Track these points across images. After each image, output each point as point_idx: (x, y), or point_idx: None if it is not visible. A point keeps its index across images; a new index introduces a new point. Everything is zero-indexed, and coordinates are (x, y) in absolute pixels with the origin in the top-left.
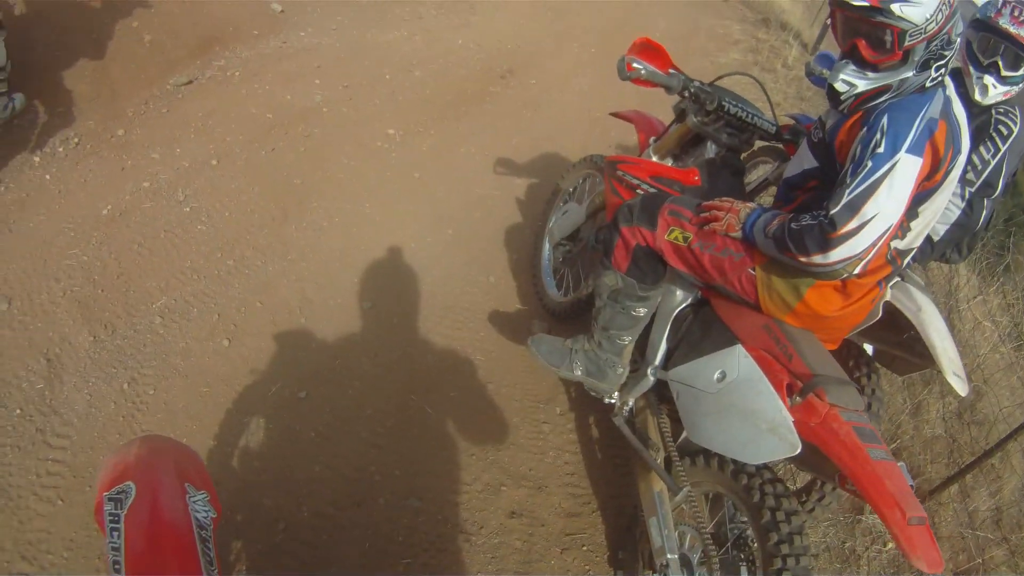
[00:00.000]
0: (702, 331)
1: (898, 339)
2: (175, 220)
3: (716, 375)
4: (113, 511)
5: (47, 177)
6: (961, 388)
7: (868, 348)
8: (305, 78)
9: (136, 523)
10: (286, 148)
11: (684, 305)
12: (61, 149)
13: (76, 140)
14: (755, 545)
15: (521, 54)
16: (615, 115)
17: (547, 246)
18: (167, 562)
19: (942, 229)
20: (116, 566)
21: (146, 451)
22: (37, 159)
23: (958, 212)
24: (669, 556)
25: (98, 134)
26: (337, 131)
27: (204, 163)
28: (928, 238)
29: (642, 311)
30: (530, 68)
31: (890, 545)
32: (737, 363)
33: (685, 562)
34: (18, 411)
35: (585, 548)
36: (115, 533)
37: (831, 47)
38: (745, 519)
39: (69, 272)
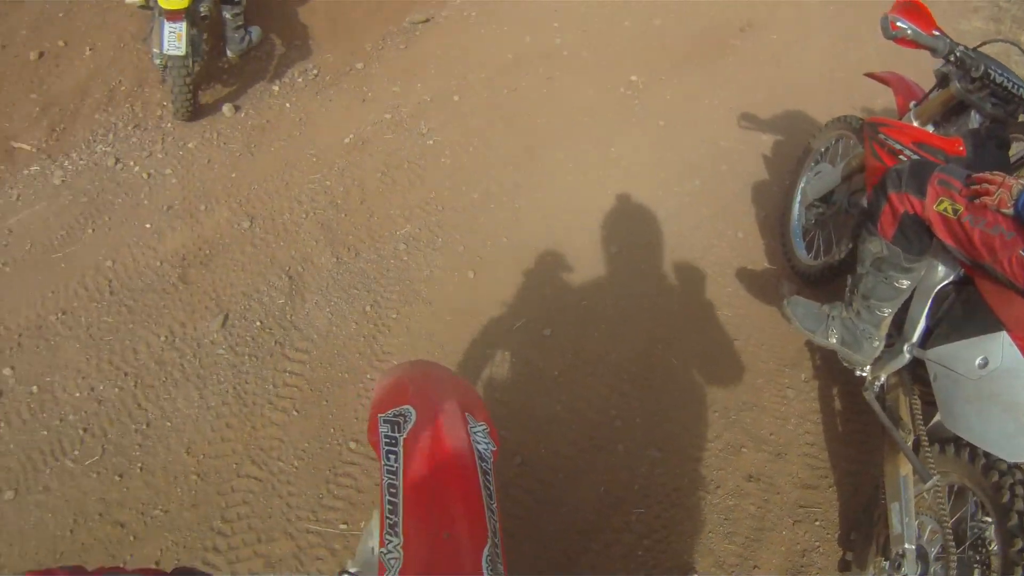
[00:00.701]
0: (965, 312)
1: None
2: (418, 152)
3: (978, 361)
4: (390, 433)
5: (287, 105)
6: None
7: None
8: (544, 21)
9: (416, 448)
10: (528, 88)
11: (946, 282)
12: (300, 79)
13: (315, 72)
14: (994, 548)
15: (761, 7)
16: (870, 76)
17: (797, 206)
18: (449, 490)
19: None
20: (392, 489)
21: (424, 376)
22: (276, 88)
23: None
24: (907, 546)
25: (337, 67)
26: (578, 74)
27: (446, 99)
28: None
29: (905, 283)
30: (770, 22)
31: None
32: (1001, 351)
33: (922, 554)
34: (258, 323)
35: (818, 523)
36: (392, 456)
37: None
38: (988, 519)
39: (312, 195)
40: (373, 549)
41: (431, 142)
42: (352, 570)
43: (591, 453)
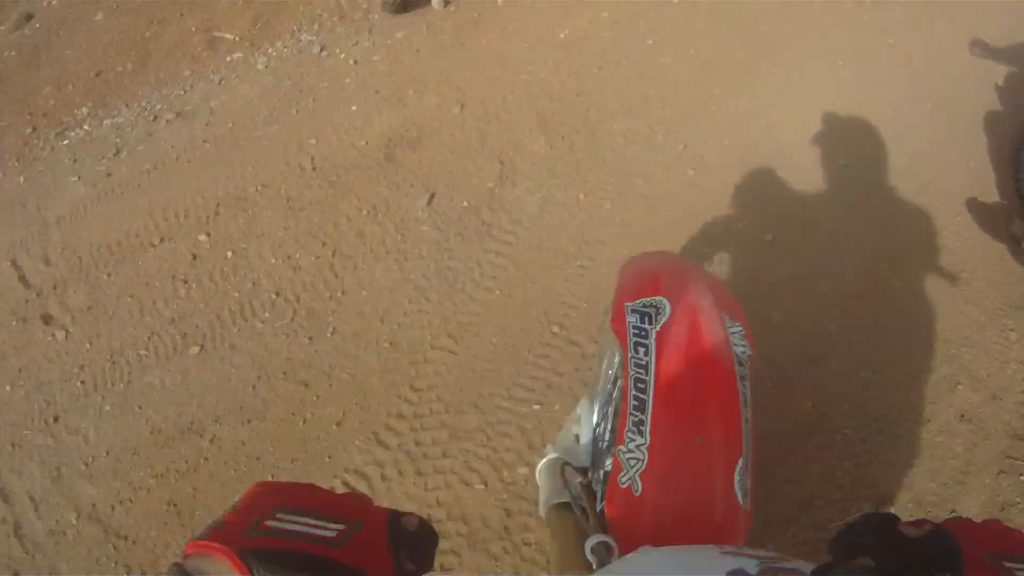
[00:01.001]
0: None
1: None
2: (637, 51)
3: None
4: (640, 324)
5: (499, 1)
6: None
7: None
8: None
9: (671, 343)
10: None
11: None
12: None
13: None
14: None
15: None
16: None
17: None
18: (706, 392)
19: None
20: (640, 384)
21: (677, 269)
22: None
23: None
24: None
25: None
26: None
27: (665, 2)
28: None
29: None
30: None
31: None
32: None
33: None
34: (465, 203)
35: (1022, 477)
36: (641, 349)
37: None
38: None
39: (525, 86)
40: (578, 437)
41: (650, 42)
42: (552, 455)
43: (804, 366)
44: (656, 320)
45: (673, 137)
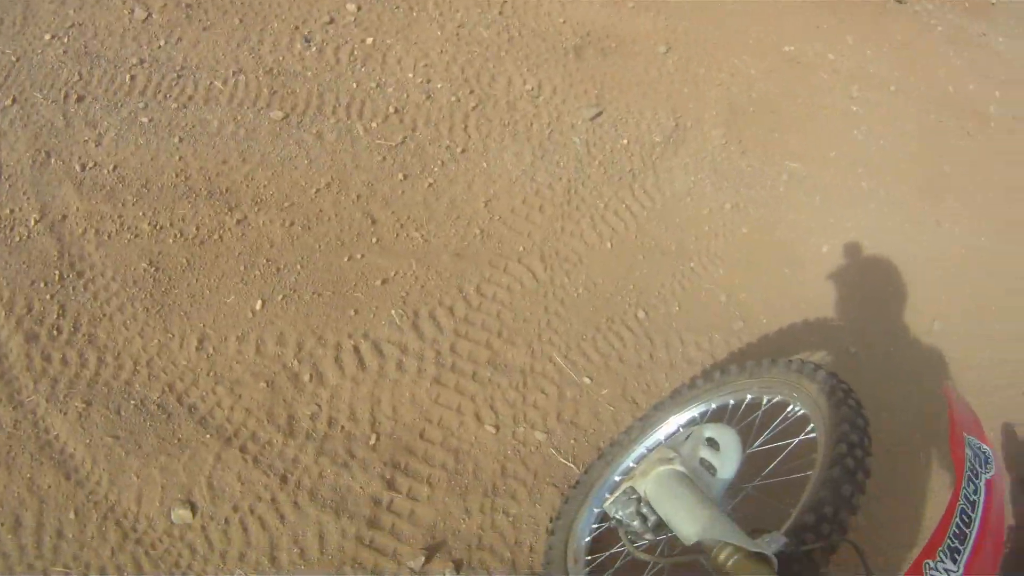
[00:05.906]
0: None
1: None
2: None
3: None
4: (974, 465)
5: None
6: None
7: None
8: None
9: (993, 500)
10: None
11: None
12: None
13: None
14: None
15: None
16: None
17: None
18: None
19: None
20: (965, 517)
21: (977, 421)
22: None
23: None
24: None
25: None
26: None
27: None
28: None
29: None
30: None
31: None
32: None
33: None
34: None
35: None
36: (972, 486)
37: None
38: None
39: None
40: (711, 467)
41: None
42: (678, 467)
43: None
44: (986, 468)
45: None
